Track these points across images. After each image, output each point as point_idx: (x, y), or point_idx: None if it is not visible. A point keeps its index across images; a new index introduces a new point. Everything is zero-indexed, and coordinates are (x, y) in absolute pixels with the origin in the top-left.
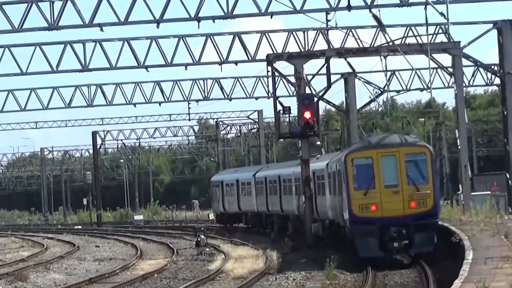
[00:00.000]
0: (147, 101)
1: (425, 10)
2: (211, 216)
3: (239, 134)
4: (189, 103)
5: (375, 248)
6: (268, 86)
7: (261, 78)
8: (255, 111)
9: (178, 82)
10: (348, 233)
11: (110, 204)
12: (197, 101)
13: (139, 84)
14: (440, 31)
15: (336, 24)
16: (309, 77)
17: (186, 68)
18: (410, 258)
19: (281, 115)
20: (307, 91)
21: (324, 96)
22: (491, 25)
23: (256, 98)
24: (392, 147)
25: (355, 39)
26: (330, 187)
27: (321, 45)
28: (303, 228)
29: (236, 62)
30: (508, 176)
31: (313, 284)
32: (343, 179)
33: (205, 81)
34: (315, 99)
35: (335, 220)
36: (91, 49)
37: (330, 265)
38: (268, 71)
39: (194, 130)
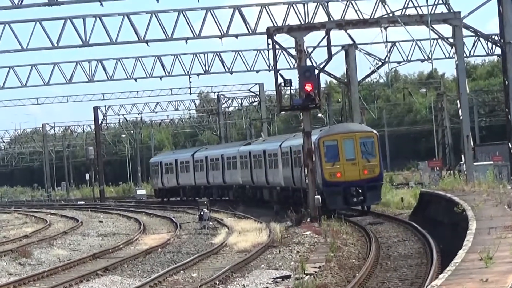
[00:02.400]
0: (148, 75)
1: None
2: None
3: (240, 108)
4: (190, 77)
5: (341, 202)
6: (268, 59)
7: (261, 51)
8: (256, 84)
9: (178, 56)
10: (321, 193)
11: (112, 179)
12: (198, 75)
13: (140, 59)
14: (440, 1)
15: None
16: (310, 50)
17: (186, 42)
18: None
19: (282, 88)
20: (308, 63)
21: (325, 68)
22: None
23: (257, 71)
24: (351, 132)
25: (355, 10)
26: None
27: (321, 17)
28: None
29: (236, 36)
30: (510, 145)
31: (317, 257)
32: (317, 155)
33: (205, 54)
34: (316, 71)
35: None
36: (91, 25)
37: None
38: (268, 44)
39: (195, 104)
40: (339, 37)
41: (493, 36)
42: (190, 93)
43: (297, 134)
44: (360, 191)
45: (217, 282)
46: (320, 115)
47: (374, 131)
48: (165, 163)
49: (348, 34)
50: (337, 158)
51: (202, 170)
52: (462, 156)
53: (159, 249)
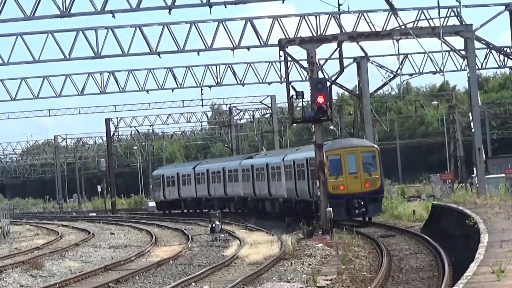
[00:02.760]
0: (160, 87)
1: None
2: None
3: (252, 120)
4: (201, 89)
5: (343, 214)
6: (280, 71)
7: (273, 63)
8: (268, 96)
9: (190, 68)
10: None
11: (124, 191)
12: (209, 86)
13: (152, 71)
14: (452, 14)
15: (348, 8)
16: (322, 62)
17: (198, 54)
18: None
19: (294, 100)
20: (320, 75)
21: (337, 81)
22: (503, 7)
23: (269, 83)
24: (353, 147)
25: (367, 23)
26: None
27: (333, 29)
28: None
29: (248, 48)
30: None
31: (328, 269)
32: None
33: (217, 66)
34: (328, 83)
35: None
36: (103, 36)
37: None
38: (280, 56)
39: (207, 116)
40: (351, 49)
41: (505, 49)
42: (202, 105)
43: (300, 148)
44: (362, 203)
45: None
46: (332, 127)
47: (376, 145)
48: (167, 176)
49: (360, 46)
50: (340, 171)
51: (204, 183)
52: (474, 168)
53: (171, 261)
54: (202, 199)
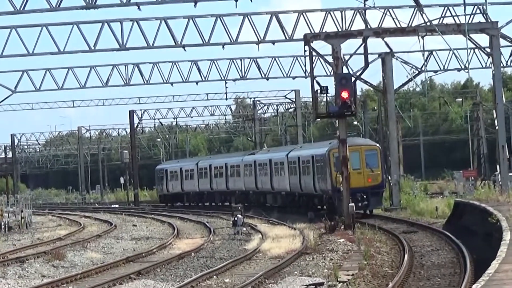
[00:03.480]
0: (184, 80)
1: None
2: None
3: (276, 114)
4: (226, 82)
5: None
6: (305, 66)
7: (298, 58)
8: (292, 90)
9: (215, 61)
10: (330, 197)
11: (147, 183)
12: (234, 80)
13: (176, 63)
14: (478, 11)
15: (374, 4)
16: (347, 57)
17: (223, 47)
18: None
19: (318, 95)
20: (345, 71)
21: (362, 76)
22: None
23: (293, 78)
24: (357, 145)
25: (393, 19)
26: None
27: (358, 25)
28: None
29: (273, 42)
30: None
31: (350, 264)
32: (327, 165)
33: (242, 60)
34: (353, 78)
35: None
36: (128, 28)
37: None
38: (305, 51)
39: (231, 109)
40: (376, 45)
41: None
42: (226, 98)
43: (304, 145)
44: (365, 196)
45: None
46: (355, 122)
47: (377, 145)
48: (170, 171)
49: (385, 42)
50: None
51: (206, 177)
52: (497, 166)
53: (192, 253)
54: (204, 193)
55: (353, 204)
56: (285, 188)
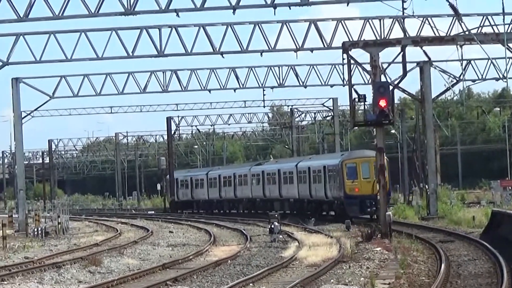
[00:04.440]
0: (222, 87)
1: None
2: None
3: (313, 122)
4: (264, 90)
5: (357, 211)
6: (343, 74)
7: (336, 66)
8: (330, 98)
9: (253, 68)
10: (341, 203)
11: None
12: (272, 88)
13: (214, 70)
14: None
15: (413, 12)
16: (385, 65)
17: (261, 54)
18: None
19: (356, 103)
20: (383, 79)
21: (400, 85)
22: None
23: (331, 86)
24: (367, 157)
25: (431, 27)
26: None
27: (397, 33)
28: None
29: (311, 49)
30: None
31: (386, 273)
32: (340, 174)
33: (280, 67)
34: (391, 87)
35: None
36: (166, 35)
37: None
38: (343, 59)
39: (268, 117)
40: (414, 53)
41: None
42: (264, 106)
43: (313, 156)
44: (373, 203)
45: None
46: (393, 131)
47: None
48: (181, 180)
49: (424, 51)
50: (355, 176)
51: (215, 187)
52: None
53: (229, 261)
54: (214, 201)
55: (390, 213)
56: (294, 195)
